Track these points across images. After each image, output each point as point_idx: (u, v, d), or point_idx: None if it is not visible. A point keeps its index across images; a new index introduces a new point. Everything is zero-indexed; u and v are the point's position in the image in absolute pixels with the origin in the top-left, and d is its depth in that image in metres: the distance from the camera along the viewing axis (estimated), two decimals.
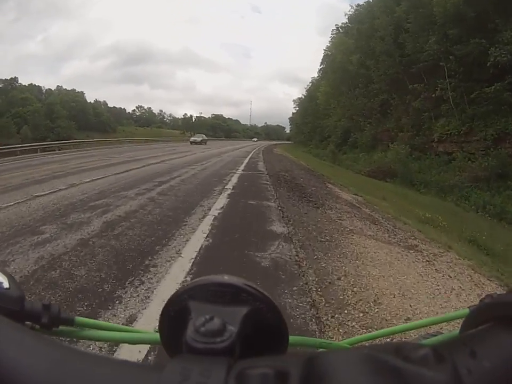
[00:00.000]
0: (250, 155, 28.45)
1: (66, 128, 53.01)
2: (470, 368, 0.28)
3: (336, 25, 53.40)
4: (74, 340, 0.55)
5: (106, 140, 41.96)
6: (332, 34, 53.42)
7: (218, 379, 0.26)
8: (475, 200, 17.18)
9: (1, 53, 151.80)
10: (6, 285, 0.43)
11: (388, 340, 0.82)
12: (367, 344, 0.35)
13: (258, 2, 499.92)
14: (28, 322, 0.43)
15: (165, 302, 0.40)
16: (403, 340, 0.80)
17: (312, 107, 54.16)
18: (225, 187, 10.44)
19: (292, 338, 0.43)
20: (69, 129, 53.56)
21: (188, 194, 9.08)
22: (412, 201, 13.89)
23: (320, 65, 61.54)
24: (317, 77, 64.62)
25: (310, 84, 68.62)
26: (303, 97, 73.69)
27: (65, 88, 74.50)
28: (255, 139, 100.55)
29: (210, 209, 7.38)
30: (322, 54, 59.29)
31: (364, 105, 35.88)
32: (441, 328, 0.85)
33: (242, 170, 15.78)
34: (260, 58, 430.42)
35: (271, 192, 10.20)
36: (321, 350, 0.53)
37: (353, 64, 38.68)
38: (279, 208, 8.02)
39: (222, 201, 8.40)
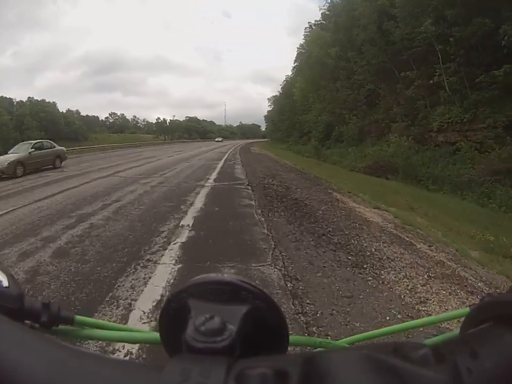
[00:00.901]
0: (225, 156, 25.09)
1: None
2: (471, 367, 0.27)
3: (309, 22, 52.30)
4: (74, 338, 0.48)
5: (74, 148, 38.23)
6: (304, 32, 52.09)
7: (218, 379, 0.25)
8: (501, 198, 13.82)
9: None
10: (5, 283, 0.43)
11: (388, 339, 0.61)
12: (366, 344, 0.35)
13: (228, 7, 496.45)
14: (27, 321, 0.43)
15: (164, 300, 0.40)
16: (403, 339, 0.79)
17: (289, 104, 50.88)
18: (182, 221, 6.40)
19: (291, 337, 0.42)
20: None
21: (103, 257, 4.66)
22: (445, 209, 10.23)
23: (294, 63, 60.62)
24: (291, 75, 62.97)
25: (285, 82, 66.41)
26: (278, 94, 71.78)
27: (36, 99, 71.29)
28: (219, 139, 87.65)
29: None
30: (296, 52, 58.45)
31: (347, 97, 32.50)
32: (441, 328, 0.87)
33: (214, 180, 11.62)
34: (232, 61, 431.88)
35: (260, 229, 6.02)
36: (320, 349, 0.52)
37: (332, 57, 35.92)
38: (299, 305, 3.48)
39: (161, 277, 4.02)
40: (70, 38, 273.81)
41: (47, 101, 72.62)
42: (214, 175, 13.26)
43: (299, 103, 46.03)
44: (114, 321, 3.23)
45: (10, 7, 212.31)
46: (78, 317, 0.47)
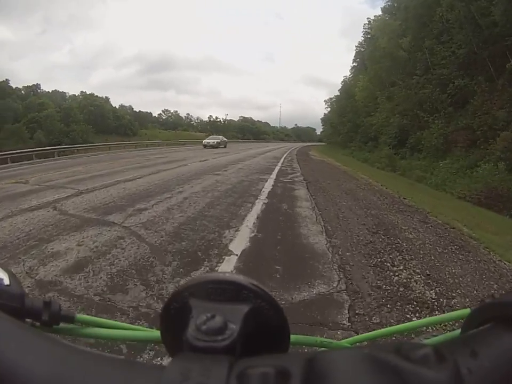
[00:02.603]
0: (279, 165, 18.85)
1: (82, 132, 48.97)
2: (471, 368, 0.27)
3: (368, 19, 48.24)
4: (75, 337, 0.50)
5: (120, 143, 36.43)
6: (363, 29, 47.87)
7: (219, 378, 0.25)
8: None
9: (31, 64, 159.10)
10: (6, 281, 0.43)
11: (389, 340, 0.74)
12: (368, 344, 0.36)
13: (281, 9, 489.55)
14: (28, 320, 0.42)
15: (166, 299, 0.40)
16: (404, 339, 0.69)
17: (350, 104, 44.45)
18: None
19: (293, 337, 0.42)
20: (85, 133, 49.41)
21: None
22: None
23: (352, 63, 57.05)
24: (350, 75, 57.96)
25: (343, 83, 60.52)
26: (334, 97, 66.27)
27: (89, 93, 70.71)
28: (212, 141, 39.09)
29: None
30: (354, 51, 55.23)
31: (425, 96, 26.24)
32: (442, 328, 0.89)
33: (257, 220, 6.63)
34: (284, 63, 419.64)
35: None
36: (322, 349, 0.49)
37: (403, 48, 30.16)
38: None
39: None
40: (124, 37, 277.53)
41: (99, 95, 72.68)
42: (251, 218, 6.76)
43: (362, 103, 39.98)
44: None
45: (61, 8, 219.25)
46: (79, 316, 0.46)
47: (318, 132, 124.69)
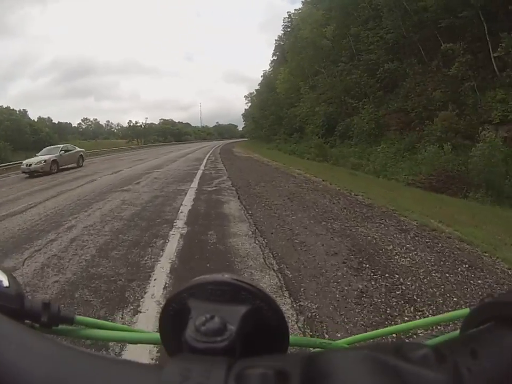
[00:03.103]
0: (201, 168, 16.38)
1: (0, 150, 43.92)
2: (471, 368, 0.27)
3: (288, 12, 49.02)
4: (74, 338, 0.49)
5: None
6: (283, 23, 47.21)
7: (218, 379, 0.25)
8: None
9: None
10: (5, 283, 0.42)
11: (388, 340, 0.73)
12: (367, 344, 0.35)
13: (198, 7, 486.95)
14: (27, 321, 0.42)
15: (165, 301, 0.40)
16: (403, 339, 0.83)
17: (272, 97, 42.80)
18: None
19: (291, 338, 0.42)
20: (3, 150, 44.14)
21: None
22: None
23: (272, 57, 57.31)
24: (270, 69, 57.43)
25: (262, 78, 59.75)
26: (255, 92, 64.75)
27: (5, 107, 64.78)
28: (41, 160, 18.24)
29: None
30: (274, 45, 54.68)
31: (352, 82, 24.86)
32: (441, 328, 0.84)
33: (170, 279, 3.87)
34: (204, 61, 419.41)
35: None
36: (321, 349, 0.51)
37: (328, 37, 28.59)
38: None
39: None
40: (38, 44, 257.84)
41: (17, 109, 68.44)
42: (160, 277, 3.98)
43: (284, 95, 38.53)
44: None
45: None
46: (78, 317, 0.46)
47: (240, 128, 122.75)
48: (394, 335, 0.61)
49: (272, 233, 5.46)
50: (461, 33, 17.86)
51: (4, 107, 63.58)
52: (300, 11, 41.16)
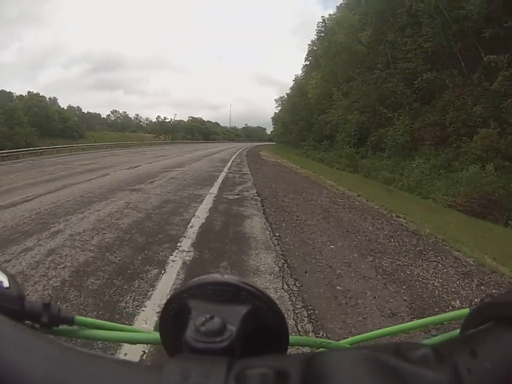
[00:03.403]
0: (225, 171, 15.33)
1: (27, 135, 43.38)
2: (470, 368, 0.27)
3: (322, 17, 48.34)
4: (74, 339, 0.49)
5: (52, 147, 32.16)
6: (317, 27, 46.73)
7: (218, 379, 0.25)
8: None
9: None
10: (6, 284, 0.42)
11: (388, 340, 0.68)
12: (366, 344, 0.35)
13: (232, 8, 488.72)
14: (27, 322, 0.42)
15: (165, 301, 0.39)
16: (403, 339, 0.77)
17: (303, 102, 41.68)
18: None
19: (291, 338, 0.42)
20: (30, 136, 43.86)
21: None
22: None
23: (304, 62, 56.02)
24: (301, 73, 56.37)
25: (294, 82, 58.78)
26: (285, 96, 63.77)
27: (38, 94, 64.13)
28: None
29: None
30: (307, 50, 53.12)
31: (388, 91, 23.86)
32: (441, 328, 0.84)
33: None
34: (234, 62, 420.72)
35: None
36: (321, 350, 0.51)
37: (363, 42, 27.88)
38: None
39: None
40: (71, 36, 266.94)
41: (47, 96, 68.12)
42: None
43: (315, 101, 37.41)
44: None
45: (12, 3, 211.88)
46: (78, 317, 0.46)
47: (268, 131, 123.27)
48: (394, 335, 0.55)
49: (306, 272, 4.23)
50: (505, 45, 16.83)
51: (31, 93, 63.80)
52: (334, 16, 40.86)
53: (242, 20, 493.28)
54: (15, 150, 25.83)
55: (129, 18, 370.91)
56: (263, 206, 7.86)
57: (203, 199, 8.31)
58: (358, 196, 9.65)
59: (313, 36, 52.50)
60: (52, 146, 32.61)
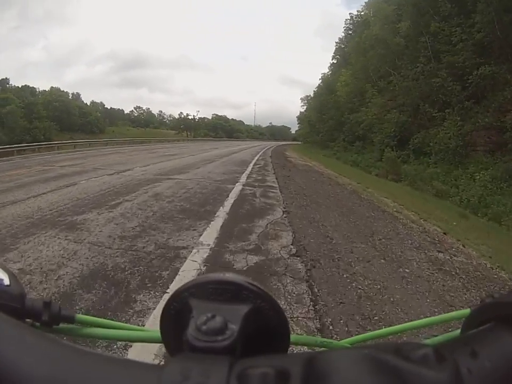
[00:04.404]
0: (243, 179, 11.67)
1: (45, 130, 42.88)
2: (471, 368, 0.27)
3: (350, 14, 46.60)
4: (75, 337, 0.49)
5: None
6: (345, 24, 45.95)
7: (219, 379, 0.25)
8: None
9: (3, 59, 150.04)
10: (6, 282, 0.42)
11: (389, 340, 0.65)
12: (367, 344, 0.34)
13: (255, 8, 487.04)
14: (28, 320, 0.42)
15: (166, 300, 0.38)
16: (404, 339, 0.67)
17: (333, 100, 38.38)
18: None
19: (293, 337, 0.41)
20: (48, 130, 43.43)
21: None
22: None
23: (331, 60, 54.63)
24: (328, 72, 54.12)
25: (322, 79, 55.46)
26: (311, 95, 61.12)
27: (59, 89, 65.10)
28: None
29: None
30: (334, 47, 52.05)
31: (433, 88, 20.55)
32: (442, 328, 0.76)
33: None
34: (258, 62, 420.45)
35: None
36: (322, 349, 0.48)
37: (401, 34, 24.97)
38: None
39: None
40: (95, 35, 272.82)
41: (70, 92, 68.89)
42: None
43: (344, 99, 34.66)
44: None
45: (37, 3, 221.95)
46: (79, 316, 0.46)
47: (293, 130, 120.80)
48: (395, 335, 0.52)
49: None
50: None
51: (54, 88, 63.86)
52: (362, 12, 39.50)
53: (265, 22, 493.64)
54: (15, 146, 24.46)
55: (155, 18, 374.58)
56: (316, 295, 3.60)
57: (169, 279, 3.72)
58: (444, 233, 6.50)
59: (339, 35, 53.19)
60: (70, 141, 32.09)
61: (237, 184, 10.29)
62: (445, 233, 6.45)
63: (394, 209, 8.29)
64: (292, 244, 5.08)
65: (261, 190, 9.56)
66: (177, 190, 8.87)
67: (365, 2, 38.78)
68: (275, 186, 10.42)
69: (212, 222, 5.99)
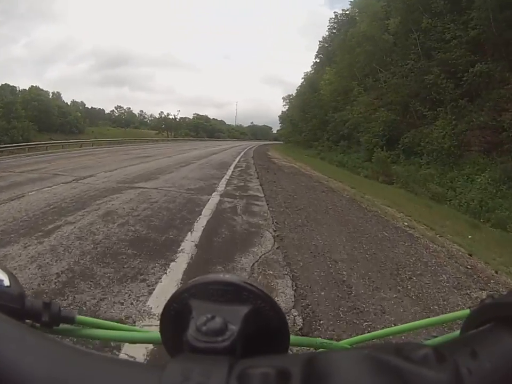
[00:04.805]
0: (223, 183, 10.46)
1: (23, 130, 40.77)
2: (471, 368, 0.27)
3: (335, 12, 48.56)
4: (75, 338, 0.49)
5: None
6: (329, 23, 46.24)
7: (219, 379, 0.25)
8: None
9: None
10: (6, 282, 0.41)
11: (389, 340, 0.66)
12: (368, 344, 0.35)
13: (238, 6, 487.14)
14: (28, 321, 0.42)
15: (166, 300, 0.38)
16: (404, 340, 0.76)
17: (316, 98, 37.47)
18: None
19: (292, 338, 0.41)
20: (27, 130, 41.32)
21: None
22: None
23: (314, 59, 54.94)
24: (311, 71, 54.42)
25: (305, 78, 54.99)
26: (293, 94, 61.27)
27: (39, 87, 61.97)
28: None
29: None
30: (318, 46, 52.49)
31: (425, 85, 19.50)
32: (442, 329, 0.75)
33: None
34: (241, 61, 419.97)
35: None
36: (322, 350, 0.51)
37: (390, 31, 24.17)
38: None
39: None
40: (78, 32, 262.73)
41: (51, 91, 66.98)
42: None
43: (328, 98, 33.69)
44: None
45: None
46: (79, 317, 0.45)
47: (274, 130, 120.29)
48: (395, 335, 0.53)
49: None
50: None
51: (33, 87, 61.27)
52: (347, 11, 39.57)
53: (248, 21, 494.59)
54: None
55: (137, 16, 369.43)
56: None
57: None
58: (470, 255, 5.22)
59: (322, 34, 53.38)
60: (41, 142, 29.18)
61: (213, 194, 8.52)
62: (470, 255, 5.22)
63: (405, 223, 6.89)
64: (293, 307, 3.29)
65: (243, 203, 7.80)
66: (137, 204, 6.96)
67: (351, 1, 38.14)
68: (260, 197, 8.67)
69: (172, 264, 4.06)
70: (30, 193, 7.66)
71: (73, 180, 9.68)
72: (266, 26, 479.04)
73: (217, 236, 5.30)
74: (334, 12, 51.71)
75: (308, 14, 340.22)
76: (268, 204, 7.71)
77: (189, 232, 5.31)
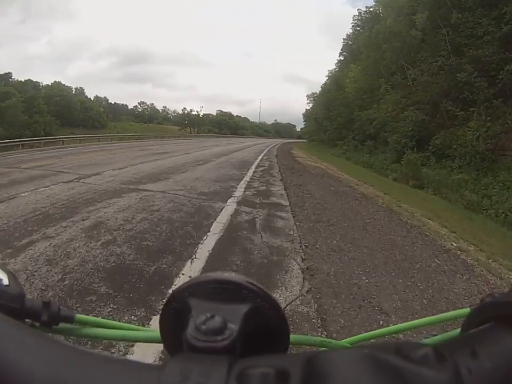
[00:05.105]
0: (240, 190, 8.72)
1: (45, 124, 41.52)
2: (471, 368, 0.27)
3: (358, 10, 49.30)
4: (74, 337, 0.50)
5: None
6: (353, 21, 45.07)
7: (219, 378, 0.25)
8: None
9: (8, 53, 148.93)
10: (5, 282, 0.41)
11: (389, 339, 0.66)
12: (367, 344, 0.34)
13: (260, 7, 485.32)
14: (27, 320, 0.42)
15: (166, 300, 0.38)
16: (404, 339, 0.73)
17: (342, 96, 36.30)
18: None
19: (292, 337, 0.41)
20: (48, 125, 42.11)
21: None
22: None
23: (338, 56, 54.80)
24: (335, 69, 54.17)
25: (329, 76, 55.09)
26: (318, 92, 60.44)
27: (61, 83, 63.77)
28: None
29: None
30: (342, 44, 52.28)
31: (456, 84, 18.47)
32: (442, 328, 0.80)
33: None
34: (263, 60, 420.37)
35: None
36: (321, 349, 0.49)
37: (418, 27, 23.28)
38: None
39: None
40: (102, 29, 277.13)
41: (74, 86, 67.57)
42: None
43: (353, 96, 32.98)
44: None
45: None
46: (78, 316, 0.46)
47: (298, 128, 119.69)
48: (395, 334, 0.56)
49: None
50: None
51: (56, 82, 62.78)
52: (374, 6, 38.01)
53: (269, 19, 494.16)
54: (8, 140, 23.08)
55: (158, 14, 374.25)
56: None
57: None
58: None
59: (345, 33, 52.33)
60: (58, 137, 30.14)
61: (229, 201, 7.30)
62: None
63: (453, 244, 5.83)
64: None
65: (264, 214, 6.52)
66: (134, 214, 5.93)
67: None
68: (285, 206, 7.39)
69: (154, 318, 2.86)
70: (23, 194, 7.15)
71: (75, 179, 9.11)
72: (287, 24, 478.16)
73: (226, 267, 3.95)
74: (358, 9, 52.48)
75: (329, 13, 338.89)
76: (294, 216, 6.51)
77: (189, 261, 4.08)
